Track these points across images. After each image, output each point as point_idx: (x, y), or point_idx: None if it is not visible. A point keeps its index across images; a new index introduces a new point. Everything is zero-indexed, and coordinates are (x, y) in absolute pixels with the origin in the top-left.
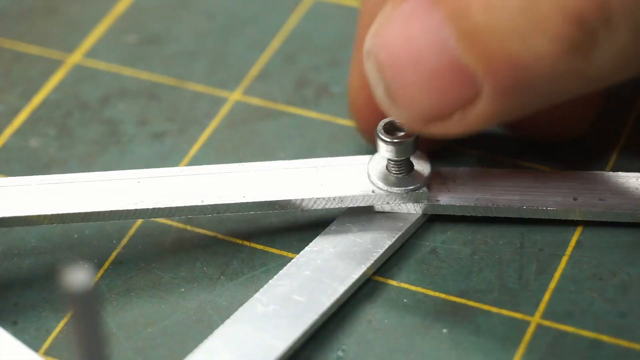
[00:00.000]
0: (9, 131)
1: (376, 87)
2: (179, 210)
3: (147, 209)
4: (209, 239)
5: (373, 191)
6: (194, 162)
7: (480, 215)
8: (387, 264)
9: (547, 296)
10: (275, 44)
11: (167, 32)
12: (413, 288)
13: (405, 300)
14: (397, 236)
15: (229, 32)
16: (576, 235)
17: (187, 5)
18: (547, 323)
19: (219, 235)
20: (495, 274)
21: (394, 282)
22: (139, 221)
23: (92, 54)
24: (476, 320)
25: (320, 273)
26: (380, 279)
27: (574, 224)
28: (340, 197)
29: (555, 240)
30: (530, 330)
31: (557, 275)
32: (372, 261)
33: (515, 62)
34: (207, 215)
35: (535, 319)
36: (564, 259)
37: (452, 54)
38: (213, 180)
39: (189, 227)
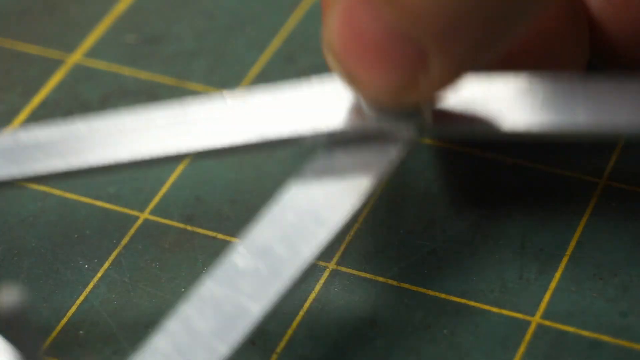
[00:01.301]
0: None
1: (341, 78)
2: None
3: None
4: (209, 239)
5: (365, 118)
6: (194, 162)
7: (481, 138)
8: (387, 264)
9: (547, 296)
10: (275, 44)
11: (167, 32)
12: (413, 288)
13: (405, 301)
14: (387, 165)
15: (229, 32)
16: (577, 235)
17: (187, 5)
18: (547, 323)
19: (219, 235)
20: (495, 274)
21: (394, 282)
22: (139, 221)
23: (92, 54)
24: (476, 320)
25: (304, 217)
26: (381, 279)
27: (576, 220)
28: (331, 132)
29: (555, 240)
30: (531, 330)
31: (557, 275)
32: (361, 197)
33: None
34: (209, 206)
35: (536, 319)
36: (565, 259)
37: (385, 20)
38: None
39: (189, 227)
